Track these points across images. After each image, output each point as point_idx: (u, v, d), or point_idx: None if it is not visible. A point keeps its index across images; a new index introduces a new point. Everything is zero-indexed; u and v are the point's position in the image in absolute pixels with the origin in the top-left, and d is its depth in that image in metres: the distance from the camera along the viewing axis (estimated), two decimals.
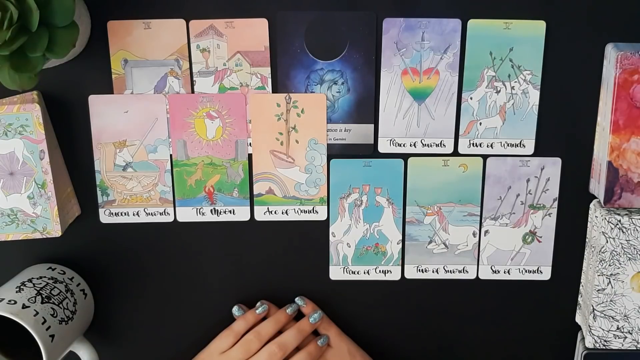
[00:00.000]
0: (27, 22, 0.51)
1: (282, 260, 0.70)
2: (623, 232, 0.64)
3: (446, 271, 0.70)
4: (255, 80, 0.65)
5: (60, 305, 0.64)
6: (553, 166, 0.67)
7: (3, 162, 0.62)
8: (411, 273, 0.70)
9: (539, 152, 0.66)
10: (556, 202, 0.68)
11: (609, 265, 0.65)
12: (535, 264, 0.70)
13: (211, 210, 0.68)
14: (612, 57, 0.61)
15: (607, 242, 0.64)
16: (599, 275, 0.65)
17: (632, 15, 0.63)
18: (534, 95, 0.65)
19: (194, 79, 0.65)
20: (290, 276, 0.70)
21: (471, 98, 0.65)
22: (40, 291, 0.64)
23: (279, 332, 0.68)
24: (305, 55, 0.64)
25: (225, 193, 0.68)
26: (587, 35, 0.63)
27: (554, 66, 0.64)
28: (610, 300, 0.66)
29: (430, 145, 0.66)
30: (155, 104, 0.65)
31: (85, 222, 0.68)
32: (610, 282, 0.65)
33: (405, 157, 0.67)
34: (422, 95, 0.65)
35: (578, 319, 0.71)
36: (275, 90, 0.65)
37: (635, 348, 0.68)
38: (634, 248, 0.64)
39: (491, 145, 0.66)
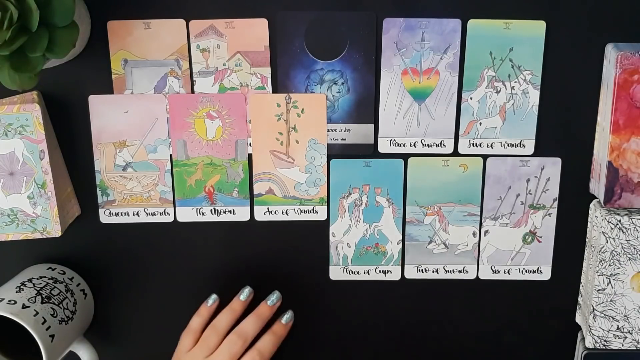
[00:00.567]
0: (27, 22, 0.51)
1: (282, 260, 0.70)
2: (623, 232, 0.64)
3: (446, 271, 0.70)
4: (255, 80, 0.65)
5: (60, 305, 0.64)
6: (553, 166, 0.67)
7: (3, 162, 0.62)
8: (411, 273, 0.70)
9: (539, 152, 0.66)
10: (556, 202, 0.68)
11: (609, 265, 0.65)
12: (535, 264, 0.70)
13: (211, 210, 0.68)
14: (612, 57, 0.61)
15: (607, 242, 0.64)
16: (599, 275, 0.65)
17: (632, 15, 0.63)
18: (534, 95, 0.65)
19: (194, 79, 0.65)
20: (290, 276, 0.70)
21: (471, 98, 0.65)
22: (40, 291, 0.64)
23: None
24: (305, 55, 0.64)
25: (225, 193, 0.68)
26: (587, 35, 0.63)
27: (554, 66, 0.64)
28: (610, 300, 0.66)
29: (430, 145, 0.66)
30: (155, 104, 0.65)
31: (85, 222, 0.68)
32: (610, 282, 0.65)
33: (405, 157, 0.67)
34: (422, 95, 0.65)
35: (578, 319, 0.71)
36: (275, 90, 0.65)
37: (635, 348, 0.68)
38: (634, 248, 0.64)
39: (491, 145, 0.66)
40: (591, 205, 0.67)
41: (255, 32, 0.63)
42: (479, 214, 0.68)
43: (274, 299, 0.66)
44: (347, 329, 0.72)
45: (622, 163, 0.63)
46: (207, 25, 0.63)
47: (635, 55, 0.60)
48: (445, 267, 0.70)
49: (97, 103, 0.65)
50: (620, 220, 0.64)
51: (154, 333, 0.72)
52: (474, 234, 0.69)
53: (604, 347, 0.68)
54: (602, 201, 0.64)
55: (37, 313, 0.61)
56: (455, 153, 0.67)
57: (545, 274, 0.70)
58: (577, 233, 0.68)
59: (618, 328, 0.67)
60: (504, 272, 0.70)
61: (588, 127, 0.65)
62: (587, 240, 0.68)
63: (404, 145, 0.66)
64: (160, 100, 0.65)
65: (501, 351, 0.73)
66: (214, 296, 0.67)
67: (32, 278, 0.65)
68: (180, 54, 0.64)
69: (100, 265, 0.70)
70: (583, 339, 0.70)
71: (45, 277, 0.66)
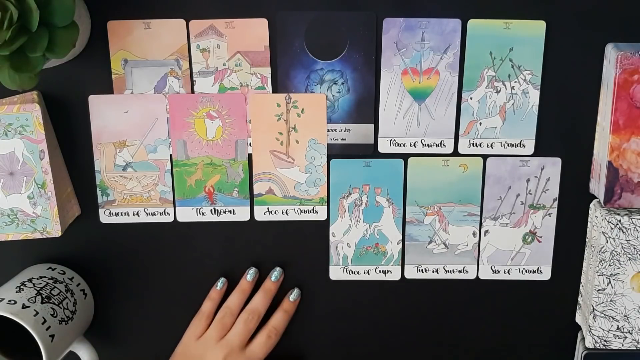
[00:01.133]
0: (27, 22, 0.51)
1: (282, 261, 0.70)
2: (623, 232, 0.64)
3: (446, 271, 0.70)
4: (255, 80, 0.65)
5: (60, 305, 0.64)
6: (553, 166, 0.67)
7: (3, 162, 0.62)
8: (411, 273, 0.70)
9: (539, 152, 0.66)
10: (556, 202, 0.68)
11: (609, 265, 0.65)
12: (535, 264, 0.70)
13: (211, 210, 0.68)
14: (612, 57, 0.61)
15: (607, 242, 0.64)
16: (599, 275, 0.65)
17: (632, 15, 0.63)
18: (534, 95, 0.65)
19: (194, 79, 0.65)
20: (290, 276, 0.70)
21: (471, 98, 0.65)
22: (40, 291, 0.64)
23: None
24: (305, 55, 0.64)
25: (225, 193, 0.68)
26: (587, 35, 0.63)
27: (554, 66, 0.64)
28: (610, 300, 0.66)
29: (430, 145, 0.66)
30: (155, 104, 0.65)
31: (85, 222, 0.68)
32: (610, 282, 0.65)
33: (405, 157, 0.67)
34: (422, 95, 0.65)
35: (578, 319, 0.71)
36: (275, 90, 0.65)
37: (635, 348, 0.68)
38: (634, 248, 0.64)
39: (491, 145, 0.66)
40: (591, 205, 0.67)
41: (255, 32, 0.63)
42: (479, 214, 0.68)
43: (276, 274, 0.69)
44: (347, 329, 0.72)
45: (622, 163, 0.63)
46: (207, 25, 0.63)
47: (635, 55, 0.60)
48: (445, 267, 0.70)
49: (97, 103, 0.65)
50: (620, 220, 0.64)
51: (154, 333, 0.72)
52: (474, 234, 0.69)
53: (604, 347, 0.68)
54: (602, 201, 0.64)
55: (37, 313, 0.61)
56: (455, 153, 0.67)
57: (545, 274, 0.70)
58: (577, 233, 0.68)
59: (618, 328, 0.67)
60: (504, 272, 0.70)
61: (588, 127, 0.65)
62: (587, 240, 0.68)
63: (404, 145, 0.66)
64: (160, 100, 0.65)
65: (501, 351, 0.73)
66: (222, 279, 0.70)
67: (32, 278, 0.65)
68: (180, 54, 0.64)
69: (100, 265, 0.70)
70: (583, 339, 0.70)
71: (45, 277, 0.66)
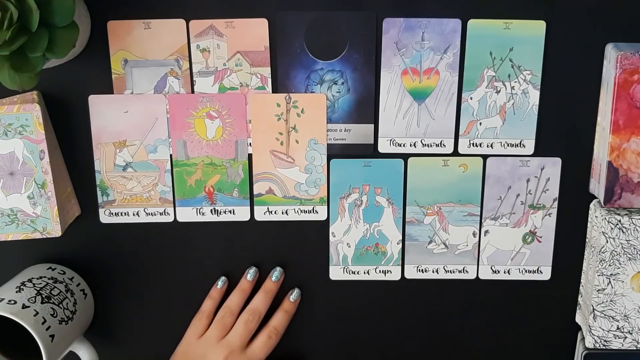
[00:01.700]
0: (27, 22, 0.51)
1: (282, 261, 0.70)
2: (623, 232, 0.64)
3: (446, 271, 0.70)
4: (255, 80, 0.65)
5: (60, 305, 0.64)
6: (553, 166, 0.67)
7: (3, 162, 0.62)
8: (411, 273, 0.70)
9: (539, 152, 0.66)
10: (556, 202, 0.68)
11: (609, 265, 0.65)
12: (535, 264, 0.70)
13: (211, 210, 0.68)
14: (612, 57, 0.61)
15: (607, 242, 0.64)
16: (599, 275, 0.65)
17: (632, 15, 0.63)
18: (534, 95, 0.65)
19: (194, 79, 0.65)
20: (290, 276, 0.70)
21: (471, 98, 0.65)
22: (40, 291, 0.64)
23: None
24: (305, 55, 0.64)
25: (225, 193, 0.68)
26: (587, 35, 0.63)
27: (554, 66, 0.64)
28: (610, 300, 0.66)
29: (430, 145, 0.66)
30: (155, 104, 0.65)
31: (85, 222, 0.68)
32: (610, 282, 0.65)
33: (405, 157, 0.67)
34: (422, 95, 0.65)
35: (578, 319, 0.71)
36: (275, 90, 0.65)
37: (635, 348, 0.68)
38: (634, 248, 0.64)
39: (491, 145, 0.66)
40: (591, 205, 0.67)
41: (255, 32, 0.63)
42: (479, 214, 0.68)
43: (277, 274, 0.69)
44: (348, 329, 0.72)
45: (622, 163, 0.63)
46: (207, 25, 0.63)
47: (635, 55, 0.60)
48: (445, 267, 0.70)
49: (97, 103, 0.65)
50: (620, 220, 0.64)
51: (154, 333, 0.72)
52: (474, 234, 0.69)
53: (604, 347, 0.68)
54: (602, 201, 0.64)
55: (37, 313, 0.61)
56: (455, 153, 0.67)
57: (545, 274, 0.70)
58: (577, 233, 0.68)
59: (618, 328, 0.67)
60: (504, 272, 0.70)
61: (588, 127, 0.65)
62: (587, 240, 0.68)
63: (404, 145, 0.66)
64: (160, 100, 0.65)
65: (501, 351, 0.73)
66: (223, 278, 0.70)
67: (32, 278, 0.65)
68: (180, 54, 0.64)
69: (100, 265, 0.70)
70: (583, 339, 0.70)
71: (45, 277, 0.66)
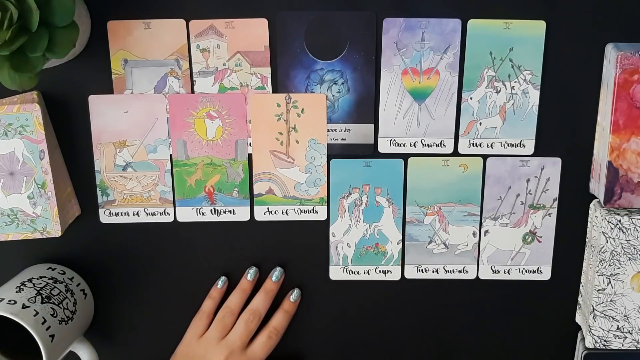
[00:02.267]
0: (27, 22, 0.51)
1: (282, 261, 0.70)
2: (623, 232, 0.64)
3: (446, 271, 0.70)
4: (255, 80, 0.65)
5: (60, 305, 0.64)
6: (553, 166, 0.67)
7: (3, 162, 0.62)
8: (411, 273, 0.70)
9: (539, 152, 0.66)
10: (556, 202, 0.68)
11: (609, 265, 0.65)
12: (535, 264, 0.70)
13: (211, 210, 0.68)
14: (612, 57, 0.61)
15: (607, 242, 0.64)
16: (599, 275, 0.65)
17: (632, 15, 0.63)
18: (534, 95, 0.65)
19: (194, 79, 0.65)
20: (290, 276, 0.70)
21: (471, 98, 0.65)
22: (40, 291, 0.64)
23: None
24: (305, 55, 0.64)
25: (225, 193, 0.68)
26: (587, 35, 0.63)
27: (554, 66, 0.64)
28: (610, 300, 0.66)
29: (430, 145, 0.66)
30: (155, 104, 0.65)
31: (85, 222, 0.68)
32: (610, 282, 0.65)
33: (405, 157, 0.67)
34: (422, 95, 0.65)
35: (578, 319, 0.71)
36: (275, 90, 0.65)
37: (635, 348, 0.68)
38: (634, 248, 0.64)
39: (491, 145, 0.66)
40: (591, 205, 0.67)
41: (255, 32, 0.63)
42: (479, 214, 0.68)
43: (277, 274, 0.69)
44: (347, 329, 0.72)
45: (622, 163, 0.63)
46: (207, 25, 0.63)
47: (635, 55, 0.60)
48: (445, 267, 0.70)
49: (97, 103, 0.65)
50: (620, 220, 0.64)
51: (154, 333, 0.72)
52: (474, 234, 0.69)
53: (604, 347, 0.68)
54: (602, 201, 0.64)
55: (37, 313, 0.61)
56: (455, 153, 0.67)
57: (545, 274, 0.70)
58: (577, 233, 0.68)
59: (618, 328, 0.67)
60: (504, 272, 0.70)
61: (588, 127, 0.65)
62: (587, 240, 0.68)
63: (404, 145, 0.66)
64: (160, 100, 0.65)
65: (501, 351, 0.73)
66: (223, 278, 0.70)
67: (32, 278, 0.65)
68: (180, 54, 0.64)
69: (100, 265, 0.70)
70: (583, 339, 0.70)
71: (45, 277, 0.66)
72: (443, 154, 0.67)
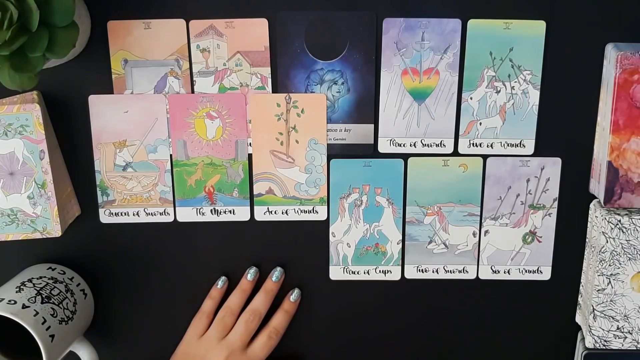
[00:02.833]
0: (27, 22, 0.51)
1: (282, 261, 0.70)
2: (623, 232, 0.64)
3: (446, 271, 0.70)
4: (255, 80, 0.65)
5: (60, 305, 0.64)
6: (553, 166, 0.67)
7: (3, 162, 0.62)
8: (411, 273, 0.70)
9: (539, 152, 0.66)
10: (556, 202, 0.68)
11: (609, 265, 0.65)
12: (535, 264, 0.70)
13: (211, 210, 0.68)
14: (612, 57, 0.61)
15: (607, 242, 0.64)
16: (599, 275, 0.65)
17: (632, 15, 0.63)
18: (534, 95, 0.65)
19: (194, 79, 0.65)
20: (290, 276, 0.70)
21: (471, 98, 0.65)
22: (40, 291, 0.64)
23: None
24: (305, 55, 0.64)
25: (225, 193, 0.68)
26: (587, 35, 0.63)
27: (554, 66, 0.64)
28: (610, 300, 0.66)
29: (430, 145, 0.66)
30: (155, 104, 0.65)
31: (85, 222, 0.68)
32: (610, 282, 0.65)
33: (405, 157, 0.67)
34: (422, 95, 0.65)
35: (578, 319, 0.71)
36: (275, 90, 0.65)
37: (635, 348, 0.68)
38: (634, 248, 0.64)
39: (491, 145, 0.66)
40: (591, 205, 0.67)
41: (255, 32, 0.63)
42: (479, 214, 0.68)
43: (277, 274, 0.69)
44: (347, 329, 0.72)
45: (622, 163, 0.63)
46: (207, 25, 0.63)
47: (635, 55, 0.60)
48: (445, 267, 0.70)
49: (97, 103, 0.65)
50: (620, 220, 0.64)
51: (154, 333, 0.72)
52: (474, 234, 0.69)
53: (604, 347, 0.68)
54: (602, 201, 0.64)
55: (37, 313, 0.61)
56: (455, 153, 0.67)
57: (545, 274, 0.70)
58: (577, 233, 0.68)
59: (618, 328, 0.67)
60: (504, 272, 0.70)
61: (588, 127, 0.65)
62: (587, 240, 0.68)
63: (404, 145, 0.66)
64: (160, 100, 0.65)
65: (501, 351, 0.73)
66: (223, 278, 0.70)
67: (32, 278, 0.65)
68: (180, 54, 0.64)
69: (100, 265, 0.70)
70: (583, 339, 0.70)
71: (45, 277, 0.66)
72: (443, 154, 0.67)
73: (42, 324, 0.61)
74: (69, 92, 0.65)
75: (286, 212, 0.68)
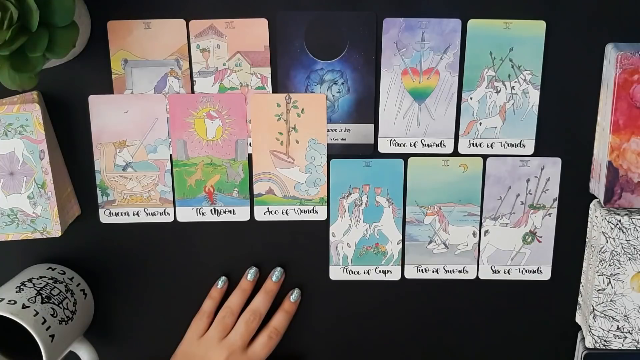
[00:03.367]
0: (27, 22, 0.51)
1: (282, 261, 0.70)
2: (623, 232, 0.64)
3: (446, 271, 0.70)
4: (255, 80, 0.65)
5: (60, 305, 0.64)
6: (553, 166, 0.67)
7: (3, 162, 0.62)
8: (411, 273, 0.70)
9: (539, 152, 0.66)
10: (556, 202, 0.68)
11: (609, 265, 0.65)
12: (535, 264, 0.70)
13: (211, 210, 0.68)
14: (612, 57, 0.61)
15: (607, 242, 0.64)
16: (599, 275, 0.65)
17: (632, 15, 0.63)
18: (534, 95, 0.65)
19: (194, 79, 0.65)
20: (291, 276, 0.70)
21: (471, 98, 0.65)
22: (40, 291, 0.64)
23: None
24: (305, 55, 0.64)
25: (225, 193, 0.68)
26: (587, 35, 0.63)
27: (554, 66, 0.64)
28: (610, 300, 0.66)
29: (430, 145, 0.66)
30: (155, 104, 0.65)
31: (85, 222, 0.68)
32: (610, 282, 0.65)
33: (405, 157, 0.67)
34: (422, 95, 0.65)
35: (578, 319, 0.71)
36: (275, 90, 0.65)
37: (635, 348, 0.68)
38: (634, 248, 0.64)
39: (491, 145, 0.66)
40: (591, 205, 0.67)
41: (255, 32, 0.63)
42: (479, 214, 0.68)
43: (277, 274, 0.69)
44: (348, 329, 0.72)
45: (622, 163, 0.63)
46: (207, 25, 0.63)
47: (635, 55, 0.60)
48: (445, 267, 0.70)
49: (97, 103, 0.65)
50: (620, 220, 0.64)
51: (154, 333, 0.72)
52: (474, 234, 0.69)
53: (604, 347, 0.68)
54: (602, 201, 0.64)
55: (37, 313, 0.61)
56: (455, 153, 0.67)
57: (545, 274, 0.70)
58: (577, 233, 0.68)
59: (618, 328, 0.67)
60: (504, 272, 0.70)
61: (588, 127, 0.65)
62: (587, 240, 0.68)
63: (404, 145, 0.66)
64: (160, 100, 0.65)
65: (501, 351, 0.73)
66: (223, 278, 0.70)
67: (32, 278, 0.65)
68: (180, 54, 0.64)
69: (100, 265, 0.70)
70: (583, 339, 0.70)
71: (45, 277, 0.66)
72: (443, 154, 0.67)
73: (42, 324, 0.61)
74: (69, 92, 0.65)
75: (286, 212, 0.68)
